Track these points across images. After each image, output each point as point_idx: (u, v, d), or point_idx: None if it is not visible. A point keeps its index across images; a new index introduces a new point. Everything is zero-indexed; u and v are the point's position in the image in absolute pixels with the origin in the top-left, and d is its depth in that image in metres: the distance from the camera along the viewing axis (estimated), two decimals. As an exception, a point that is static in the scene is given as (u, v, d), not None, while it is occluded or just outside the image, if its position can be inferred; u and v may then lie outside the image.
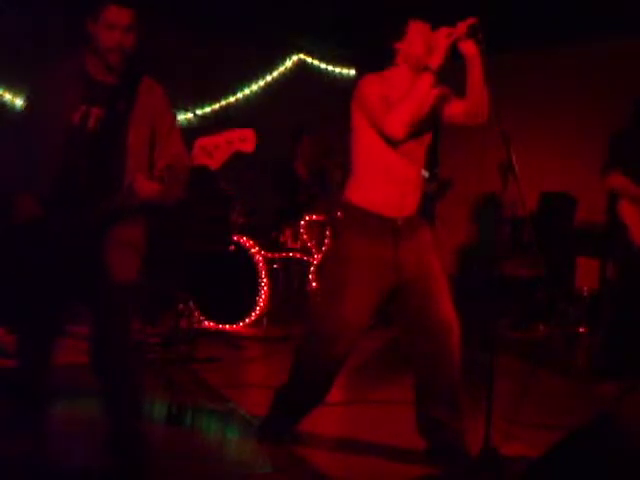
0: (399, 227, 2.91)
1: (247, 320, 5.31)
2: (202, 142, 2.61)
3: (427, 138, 3.03)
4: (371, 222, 2.91)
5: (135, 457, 2.73)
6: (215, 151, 2.67)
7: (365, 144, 2.94)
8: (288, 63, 7.88)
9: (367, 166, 2.96)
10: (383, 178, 2.91)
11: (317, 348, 3.02)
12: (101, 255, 2.58)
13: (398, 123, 2.72)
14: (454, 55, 2.78)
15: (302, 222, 5.70)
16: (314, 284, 5.67)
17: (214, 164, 2.66)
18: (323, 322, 3.02)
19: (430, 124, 3.00)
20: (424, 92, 2.72)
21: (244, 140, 2.73)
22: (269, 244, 5.60)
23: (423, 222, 3.06)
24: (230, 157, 2.75)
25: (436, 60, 2.71)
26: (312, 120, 7.31)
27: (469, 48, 2.77)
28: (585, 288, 5.34)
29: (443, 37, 2.73)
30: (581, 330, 5.26)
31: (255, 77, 7.71)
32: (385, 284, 2.93)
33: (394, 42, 2.92)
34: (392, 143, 2.82)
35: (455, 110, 2.98)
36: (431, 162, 7.54)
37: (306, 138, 6.01)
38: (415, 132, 2.85)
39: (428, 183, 6.90)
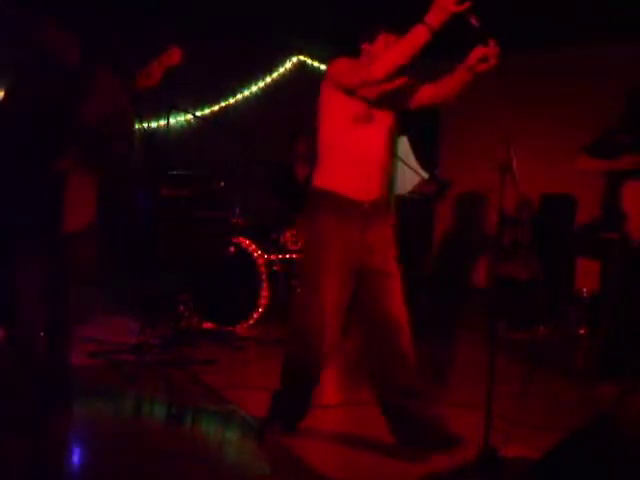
0: (367, 210, 2.97)
1: (247, 322, 5.30)
2: (140, 71, 3.27)
3: (388, 121, 3.04)
4: (339, 205, 2.97)
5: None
6: (151, 72, 3.37)
7: (328, 128, 3.02)
8: (288, 64, 7.89)
9: (331, 150, 3.02)
10: (346, 160, 2.96)
11: (303, 342, 3.04)
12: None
13: (381, 65, 2.74)
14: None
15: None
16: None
17: (152, 81, 3.43)
18: (305, 313, 3.03)
19: (392, 108, 3.04)
20: (413, 42, 2.69)
21: (170, 55, 3.45)
22: (269, 246, 5.60)
23: (389, 214, 3.11)
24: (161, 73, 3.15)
25: (435, 17, 2.63)
26: (311, 120, 7.32)
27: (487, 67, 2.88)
28: (585, 289, 5.34)
29: (452, 4, 2.61)
30: (581, 331, 5.26)
31: (255, 78, 7.72)
32: (355, 267, 2.99)
33: (362, 42, 3.07)
34: (367, 94, 2.86)
35: (424, 94, 3.06)
36: (430, 163, 7.55)
37: (303, 139, 6.00)
38: (376, 113, 2.95)
39: (427, 184, 6.91)
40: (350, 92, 2.91)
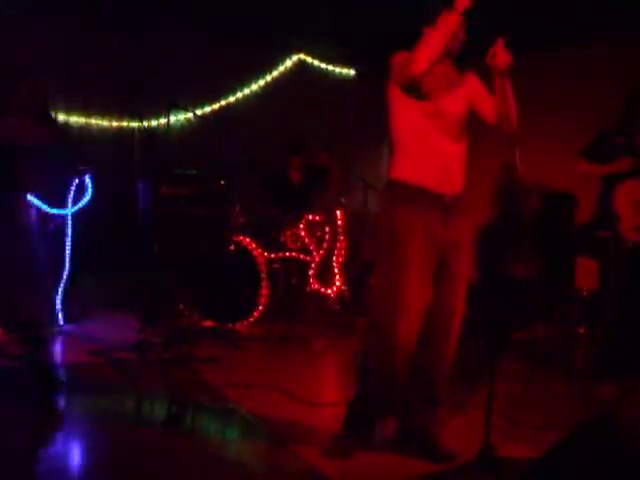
0: (447, 204, 2.91)
1: (247, 320, 5.31)
2: None
3: (463, 117, 3.03)
4: (420, 197, 2.89)
5: None
6: None
7: (404, 120, 2.96)
8: (288, 63, 7.89)
9: (409, 143, 2.96)
10: (426, 152, 2.91)
11: (381, 338, 2.93)
12: None
13: (419, 60, 2.71)
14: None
15: (302, 222, 5.71)
16: (313, 284, 5.68)
17: None
18: (387, 308, 2.91)
19: (465, 107, 3.02)
20: (446, 30, 2.73)
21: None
22: (269, 244, 5.60)
23: (471, 212, 3.05)
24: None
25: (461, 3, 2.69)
26: (311, 120, 7.32)
27: (502, 62, 2.89)
28: (585, 288, 5.34)
29: None
30: (581, 330, 5.26)
31: (255, 77, 7.72)
32: (436, 261, 2.92)
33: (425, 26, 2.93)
34: (415, 84, 2.81)
35: (487, 109, 3.05)
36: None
37: (304, 152, 6.03)
38: (445, 107, 2.93)
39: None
40: (408, 90, 2.88)
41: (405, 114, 2.95)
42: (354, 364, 3.32)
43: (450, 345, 3.00)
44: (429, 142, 2.91)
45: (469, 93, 3.05)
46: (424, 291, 2.89)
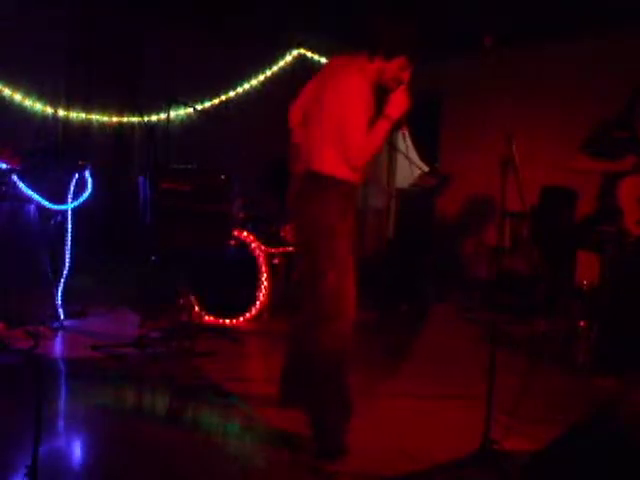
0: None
1: (247, 315, 5.31)
2: None
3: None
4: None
5: None
6: None
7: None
8: (288, 58, 7.87)
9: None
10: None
11: (339, 330, 2.98)
12: None
13: (362, 158, 2.98)
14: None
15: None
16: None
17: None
18: (345, 302, 3.00)
19: None
20: (382, 138, 2.99)
21: None
22: (269, 239, 5.60)
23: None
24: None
25: (395, 113, 2.97)
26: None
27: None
28: (585, 282, 5.34)
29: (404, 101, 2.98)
30: (581, 324, 5.26)
31: (255, 72, 7.71)
32: None
33: (378, 55, 3.04)
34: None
35: None
36: (431, 157, 7.54)
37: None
38: None
39: (428, 177, 6.90)
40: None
41: None
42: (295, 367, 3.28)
43: None
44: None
45: None
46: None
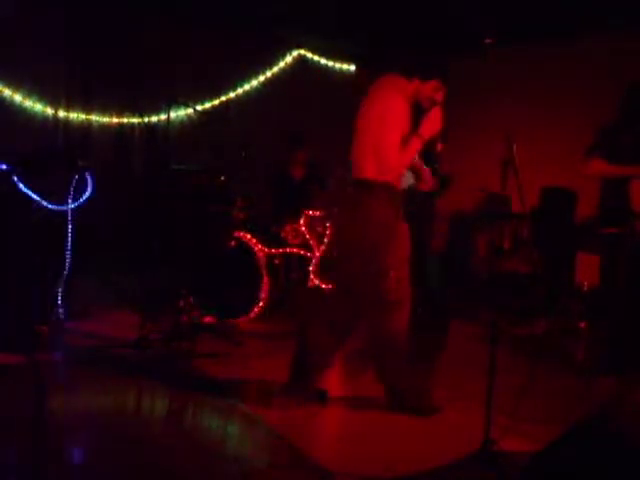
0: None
1: (248, 315, 5.31)
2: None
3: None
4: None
5: None
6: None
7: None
8: (288, 58, 7.88)
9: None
10: None
11: (406, 316, 3.51)
12: None
13: (392, 173, 3.39)
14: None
15: (302, 218, 5.71)
16: (314, 279, 5.68)
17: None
18: (405, 291, 3.50)
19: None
20: (413, 155, 3.47)
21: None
22: (269, 240, 5.60)
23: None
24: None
25: (427, 133, 3.40)
26: (311, 115, 7.31)
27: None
28: (585, 283, 5.34)
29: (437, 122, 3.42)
30: (581, 325, 5.26)
31: (255, 72, 7.71)
32: None
33: (415, 76, 3.44)
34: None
35: None
36: (431, 157, 7.54)
37: (306, 146, 6.04)
38: None
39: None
40: None
41: None
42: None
43: None
44: None
45: None
46: None
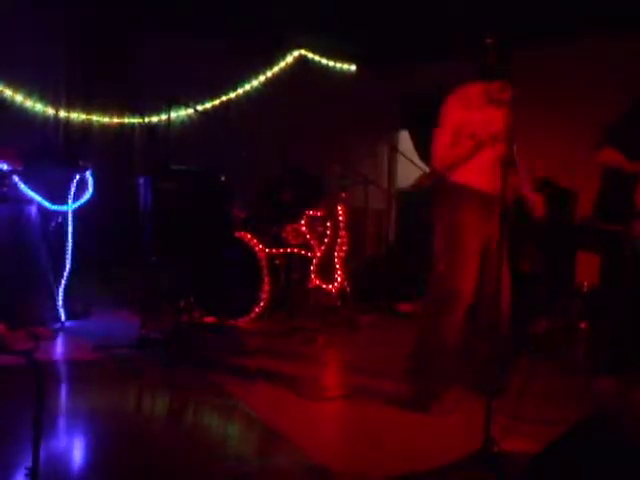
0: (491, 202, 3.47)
1: (248, 315, 5.31)
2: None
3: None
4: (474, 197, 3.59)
5: None
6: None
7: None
8: (289, 58, 7.87)
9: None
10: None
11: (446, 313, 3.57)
12: None
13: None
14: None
15: (303, 218, 5.71)
16: (315, 280, 5.68)
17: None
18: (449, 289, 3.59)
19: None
20: (463, 153, 3.57)
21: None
22: (270, 240, 5.60)
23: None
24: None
25: (483, 134, 3.54)
26: (312, 115, 7.31)
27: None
28: (585, 283, 5.34)
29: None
30: (581, 325, 5.26)
31: (255, 73, 7.71)
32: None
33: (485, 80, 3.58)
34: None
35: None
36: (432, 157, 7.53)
37: (295, 186, 5.97)
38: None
39: (428, 178, 6.90)
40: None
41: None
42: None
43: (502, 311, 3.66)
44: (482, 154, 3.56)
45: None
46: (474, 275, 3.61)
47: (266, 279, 5.32)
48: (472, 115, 3.56)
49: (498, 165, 3.44)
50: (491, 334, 3.61)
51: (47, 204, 4.78)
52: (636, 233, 4.20)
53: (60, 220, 4.92)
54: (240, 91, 7.64)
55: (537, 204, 3.82)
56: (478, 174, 3.56)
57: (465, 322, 3.63)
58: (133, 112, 7.11)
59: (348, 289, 5.81)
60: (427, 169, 6.97)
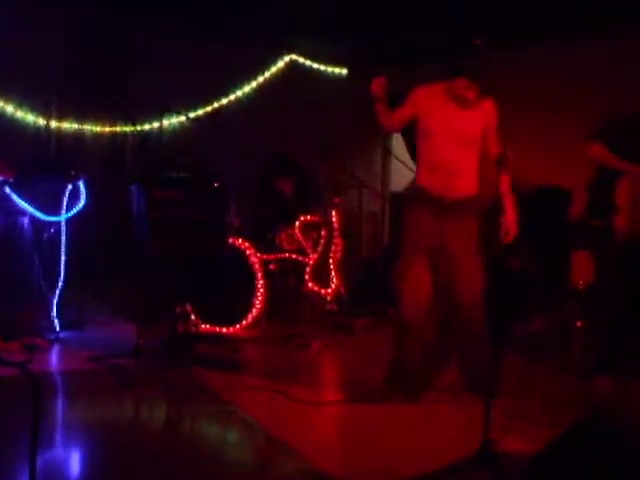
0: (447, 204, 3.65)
1: (244, 322, 5.30)
2: None
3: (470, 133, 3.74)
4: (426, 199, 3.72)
5: None
6: None
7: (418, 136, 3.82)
8: (280, 63, 7.87)
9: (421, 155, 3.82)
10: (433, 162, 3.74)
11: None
12: None
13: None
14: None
15: (297, 223, 5.70)
16: (310, 285, 5.67)
17: None
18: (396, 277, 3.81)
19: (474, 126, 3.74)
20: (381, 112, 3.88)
21: None
22: (264, 246, 5.59)
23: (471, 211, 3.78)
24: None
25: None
26: (304, 120, 7.31)
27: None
28: (581, 282, 5.34)
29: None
30: (577, 324, 5.26)
31: (247, 78, 7.70)
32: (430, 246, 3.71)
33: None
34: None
35: (489, 141, 3.77)
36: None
37: (290, 173, 5.99)
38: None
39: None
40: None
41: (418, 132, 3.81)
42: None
43: (471, 316, 3.78)
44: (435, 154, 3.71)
45: (480, 116, 3.73)
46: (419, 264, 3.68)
47: (261, 285, 5.31)
48: (432, 106, 3.67)
49: (454, 166, 3.66)
50: (470, 339, 3.74)
51: (40, 215, 4.75)
52: (617, 229, 4.23)
53: (53, 230, 4.89)
54: (232, 97, 7.63)
55: (510, 228, 3.72)
56: (428, 175, 3.71)
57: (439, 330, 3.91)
58: (125, 121, 7.10)
59: (343, 293, 5.79)
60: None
